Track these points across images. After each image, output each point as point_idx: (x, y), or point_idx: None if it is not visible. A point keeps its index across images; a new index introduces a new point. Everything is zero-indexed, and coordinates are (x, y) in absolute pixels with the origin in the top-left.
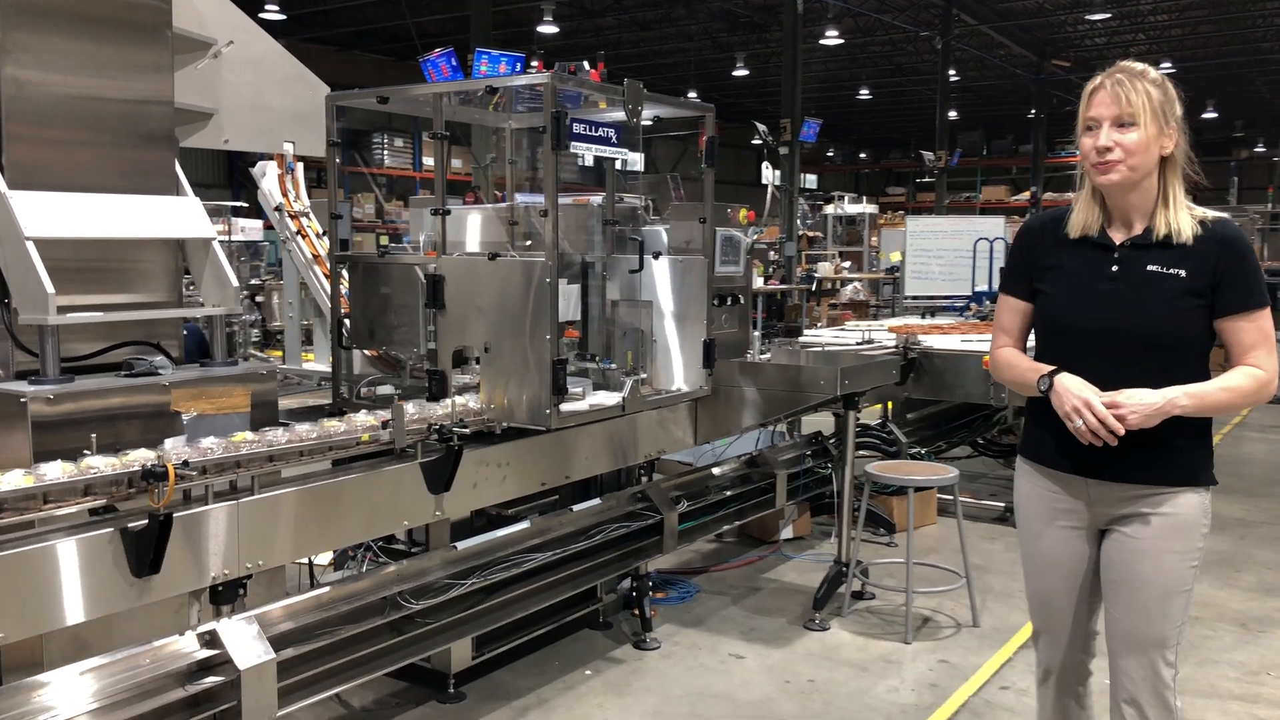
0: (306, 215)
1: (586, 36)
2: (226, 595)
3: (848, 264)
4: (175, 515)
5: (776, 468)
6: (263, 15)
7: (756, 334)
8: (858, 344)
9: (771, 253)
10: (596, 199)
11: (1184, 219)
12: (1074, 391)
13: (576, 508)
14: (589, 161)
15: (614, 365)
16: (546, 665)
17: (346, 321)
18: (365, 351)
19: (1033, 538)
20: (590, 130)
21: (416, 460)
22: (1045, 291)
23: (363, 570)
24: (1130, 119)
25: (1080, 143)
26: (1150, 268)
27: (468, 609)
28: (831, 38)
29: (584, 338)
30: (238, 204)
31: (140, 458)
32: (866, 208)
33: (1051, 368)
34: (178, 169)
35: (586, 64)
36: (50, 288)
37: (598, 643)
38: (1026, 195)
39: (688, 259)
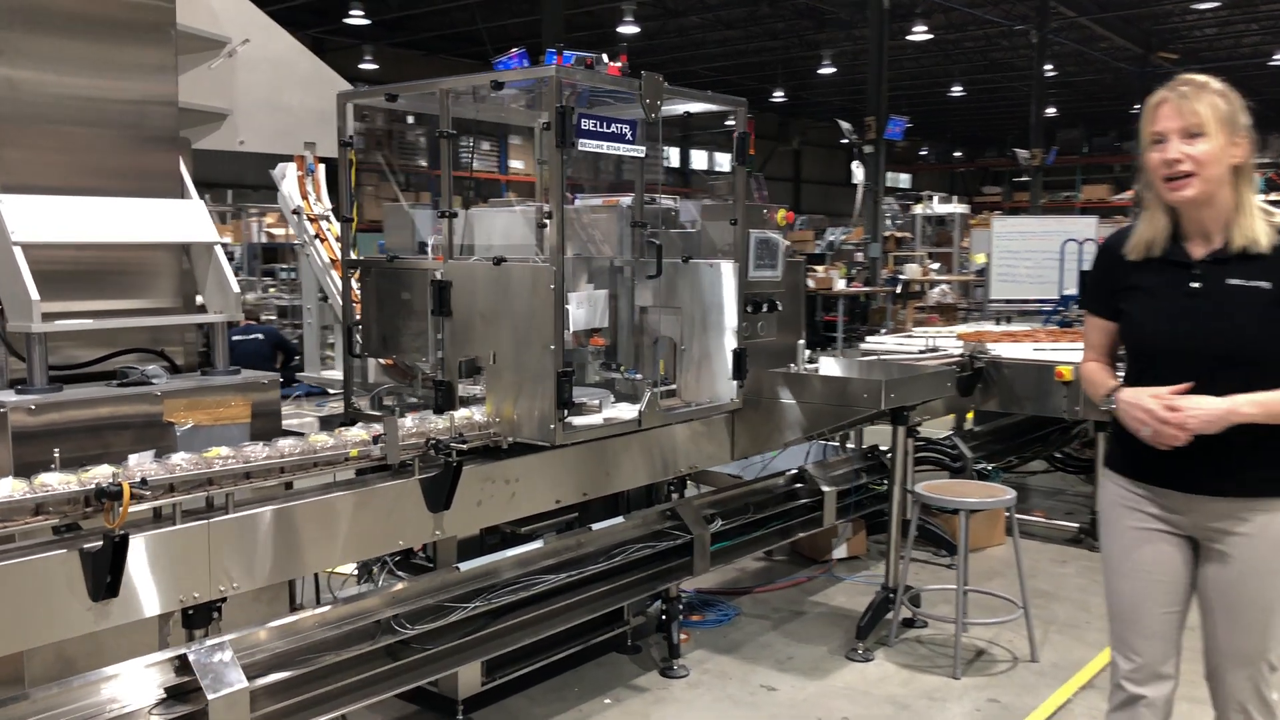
0: (326, 218)
1: (671, 37)
2: (199, 619)
3: (936, 265)
4: (141, 535)
5: (825, 484)
6: (347, 20)
7: (801, 343)
8: (920, 352)
9: (859, 254)
10: (627, 200)
11: (1260, 228)
12: (1133, 402)
13: (596, 526)
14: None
15: (640, 375)
16: (565, 691)
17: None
18: (380, 360)
19: (1118, 542)
20: (600, 127)
21: (414, 477)
22: (1127, 312)
23: (378, 587)
24: (1198, 129)
25: (1146, 158)
26: (1232, 281)
27: (470, 634)
28: (920, 33)
29: (612, 346)
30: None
31: (100, 475)
32: (957, 207)
33: (1115, 384)
34: (183, 171)
35: (605, 56)
36: (35, 294)
37: (623, 668)
38: (1129, 194)
39: (718, 263)
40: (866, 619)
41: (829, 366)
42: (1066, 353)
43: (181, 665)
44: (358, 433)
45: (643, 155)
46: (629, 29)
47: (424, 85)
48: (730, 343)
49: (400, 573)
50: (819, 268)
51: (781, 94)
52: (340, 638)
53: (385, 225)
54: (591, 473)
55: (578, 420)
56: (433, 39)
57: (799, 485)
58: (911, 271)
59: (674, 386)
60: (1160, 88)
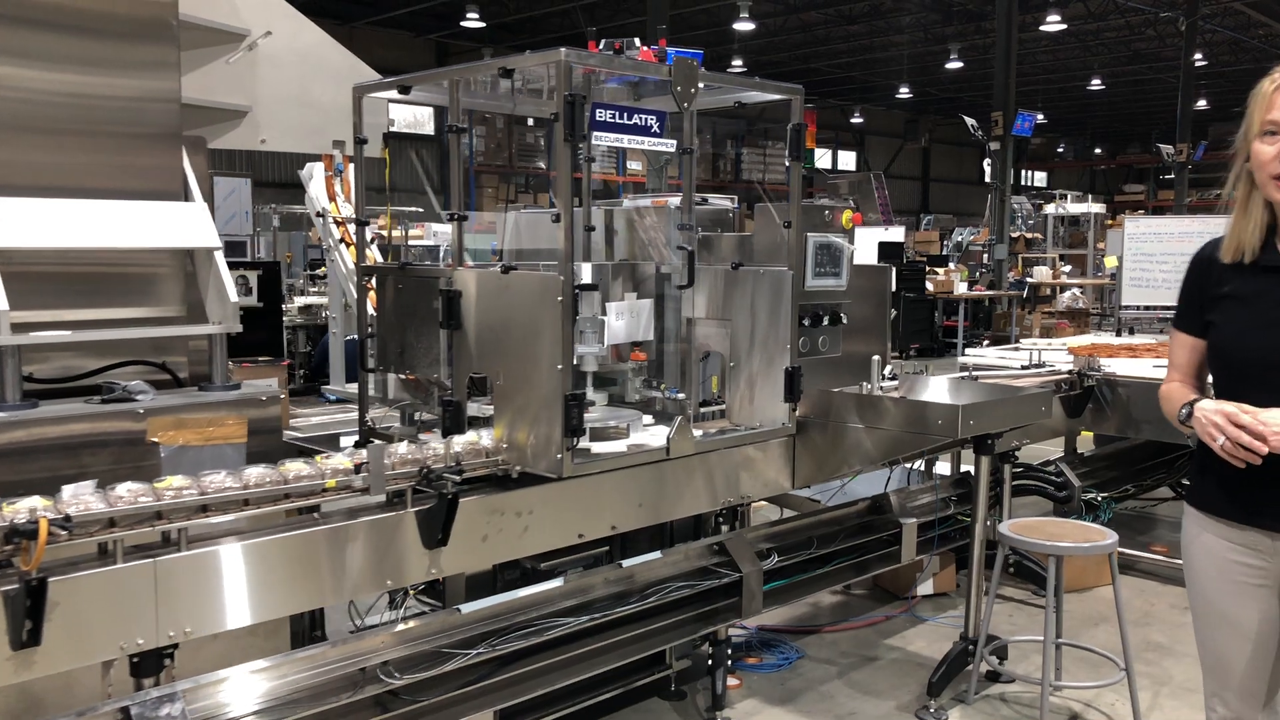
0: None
1: (793, 33)
2: (147, 667)
3: (1068, 268)
4: (71, 576)
5: (904, 515)
6: (464, 24)
7: (877, 359)
8: (1022, 368)
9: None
10: (675, 200)
11: None
12: (1210, 410)
13: (627, 563)
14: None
15: (682, 394)
16: None
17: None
18: (402, 374)
19: (1205, 595)
20: (619, 118)
21: (406, 510)
22: (1215, 323)
23: (399, 616)
24: None
25: (1254, 150)
26: None
27: (470, 683)
28: (1054, 23)
29: (658, 361)
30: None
31: (30, 507)
32: (1092, 207)
33: (1194, 397)
34: (188, 171)
35: (638, 40)
36: (3, 304)
37: (662, 718)
38: None
39: (768, 271)
40: (940, 673)
41: (908, 386)
42: None
43: (125, 718)
44: (340, 461)
45: (672, 149)
46: (744, 26)
47: (434, 75)
48: (783, 360)
49: (431, 603)
50: (940, 270)
51: (907, 90)
52: (319, 686)
53: (497, 228)
54: (620, 504)
55: (600, 447)
56: (551, 40)
57: (876, 516)
58: (1041, 274)
59: (723, 407)
60: (1276, 66)
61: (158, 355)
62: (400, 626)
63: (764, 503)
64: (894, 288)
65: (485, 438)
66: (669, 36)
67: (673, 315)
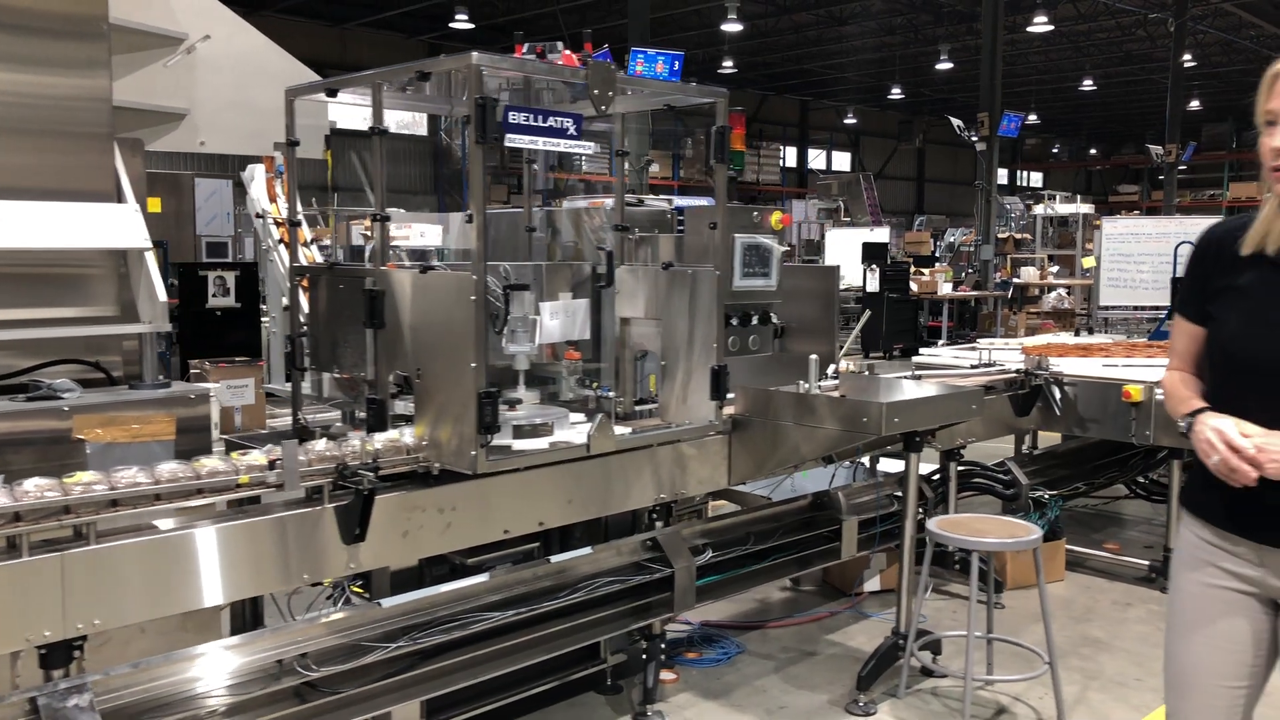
0: (299, 223)
1: (785, 34)
2: (56, 659)
3: (1055, 269)
4: None
5: (844, 512)
6: (452, 25)
7: (814, 358)
8: (971, 367)
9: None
10: (609, 202)
11: None
12: (1208, 427)
13: (556, 558)
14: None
15: (613, 393)
16: None
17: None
18: (334, 373)
19: (1180, 599)
20: (533, 120)
21: (324, 506)
22: (1216, 317)
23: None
24: None
25: (1260, 142)
26: None
27: (390, 675)
28: (1041, 24)
29: (593, 360)
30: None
31: None
32: (1080, 207)
33: (1199, 406)
34: (120, 173)
35: (560, 44)
36: None
37: (596, 711)
38: None
39: (696, 271)
40: (869, 667)
41: (849, 385)
42: (1140, 370)
43: (32, 709)
44: (256, 458)
45: (590, 151)
46: (733, 27)
47: (360, 78)
48: (711, 359)
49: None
50: (925, 271)
51: (900, 91)
52: (235, 678)
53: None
54: (548, 500)
55: (523, 444)
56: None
57: (819, 512)
58: (1028, 275)
59: (655, 406)
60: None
61: (93, 355)
62: (320, 620)
63: (724, 501)
64: (877, 288)
65: (407, 435)
66: (655, 38)
67: (609, 315)
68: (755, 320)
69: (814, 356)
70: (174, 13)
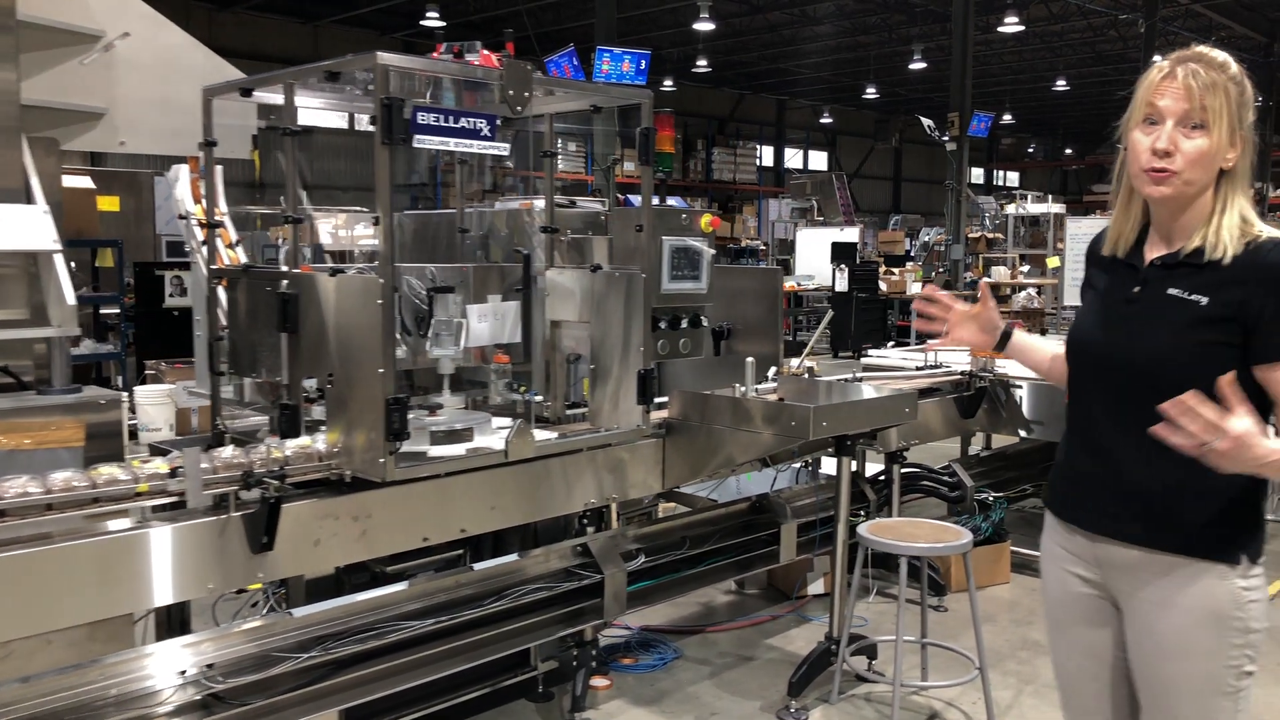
0: (220, 225)
1: (761, 33)
2: None
3: (1026, 268)
4: None
5: (783, 516)
6: (423, 23)
7: (750, 361)
8: (917, 369)
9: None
10: (541, 203)
11: (1226, 235)
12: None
13: (480, 565)
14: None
15: (540, 397)
16: None
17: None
18: (252, 377)
19: (1049, 602)
20: (444, 121)
21: (230, 514)
22: (1076, 316)
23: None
24: (1203, 121)
25: (1130, 137)
26: (1171, 291)
27: (302, 685)
28: (1011, 24)
29: (525, 364)
30: None
31: None
32: (1051, 207)
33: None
34: (29, 172)
35: (479, 44)
36: None
37: (526, 719)
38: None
39: (622, 274)
40: (801, 673)
41: (786, 387)
42: None
43: None
44: (157, 465)
45: (505, 153)
46: (706, 26)
47: (274, 77)
48: (639, 362)
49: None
50: (896, 270)
51: (874, 91)
52: (133, 691)
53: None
54: (469, 507)
55: (440, 450)
56: (520, 39)
57: (759, 515)
58: (999, 274)
59: (585, 410)
60: (1168, 55)
61: (1, 359)
62: (228, 630)
63: (674, 503)
64: (846, 288)
65: (320, 441)
66: (629, 36)
67: (539, 318)
68: (685, 323)
69: (750, 359)
70: (90, 9)
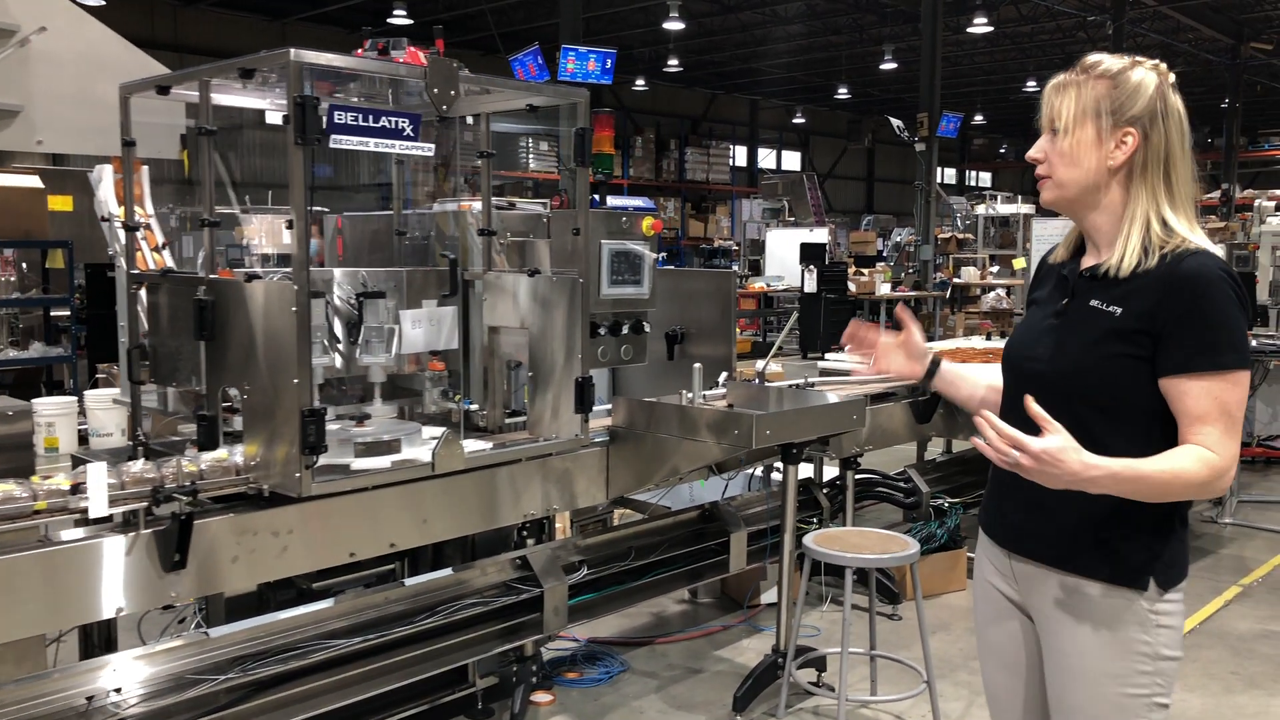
0: (145, 227)
1: (734, 33)
2: None
3: (995, 269)
4: None
5: (733, 524)
6: (390, 20)
7: (698, 366)
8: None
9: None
10: (479, 205)
11: (1134, 245)
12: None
13: (411, 581)
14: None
15: (475, 405)
16: None
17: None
18: (172, 386)
19: (977, 618)
20: (362, 120)
21: (139, 531)
22: (1015, 328)
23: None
24: (1055, 124)
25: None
26: (1092, 303)
27: (219, 708)
28: (980, 25)
29: (460, 371)
30: None
31: None
32: (1021, 207)
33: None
34: None
35: (405, 40)
36: None
37: None
38: (1217, 193)
39: (559, 278)
40: (746, 687)
41: (735, 394)
42: None
43: None
44: (59, 481)
45: (430, 153)
46: (676, 25)
47: (190, 74)
48: (575, 370)
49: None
50: (865, 271)
51: (846, 91)
52: (37, 717)
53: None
54: (399, 521)
55: (365, 463)
56: (485, 38)
57: (710, 524)
58: (969, 275)
59: (524, 419)
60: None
61: None
62: (143, 652)
63: (629, 511)
64: (815, 288)
65: (238, 454)
66: (600, 35)
67: (476, 324)
68: (627, 329)
69: (698, 366)
70: (4, 3)
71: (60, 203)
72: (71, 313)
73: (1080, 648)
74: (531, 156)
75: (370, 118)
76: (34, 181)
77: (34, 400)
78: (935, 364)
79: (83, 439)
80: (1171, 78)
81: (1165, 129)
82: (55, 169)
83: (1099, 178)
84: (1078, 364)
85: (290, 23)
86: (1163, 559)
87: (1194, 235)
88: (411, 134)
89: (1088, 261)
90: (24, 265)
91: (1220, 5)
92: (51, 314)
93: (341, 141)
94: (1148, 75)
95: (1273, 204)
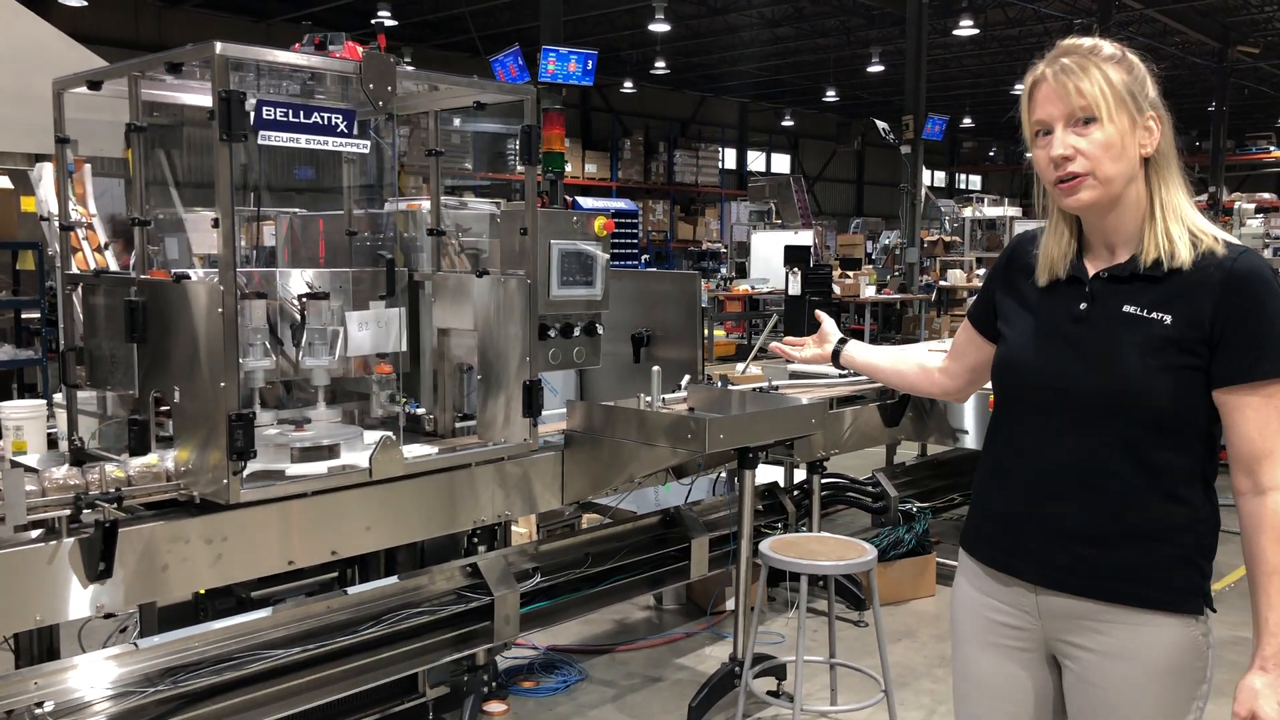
0: (86, 226)
1: (721, 35)
2: None
3: (982, 271)
4: None
5: (694, 530)
6: (374, 21)
7: (656, 370)
8: (840, 375)
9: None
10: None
11: (1179, 239)
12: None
13: (354, 589)
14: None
15: (422, 409)
16: None
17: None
18: (107, 390)
19: (965, 652)
20: (292, 116)
21: (61, 540)
22: (1003, 333)
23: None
24: (1087, 113)
25: (1033, 157)
26: (1126, 308)
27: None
28: (966, 28)
29: (409, 374)
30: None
31: None
32: (1008, 210)
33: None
34: None
35: (344, 35)
36: None
37: None
38: (1205, 196)
39: (507, 279)
40: (701, 697)
41: (696, 397)
42: None
43: None
44: None
45: (365, 150)
46: (662, 27)
47: (121, 68)
48: (524, 373)
49: None
50: (850, 273)
51: (834, 94)
52: None
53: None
54: (340, 528)
55: (301, 468)
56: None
57: (671, 529)
58: (955, 278)
59: (474, 423)
60: (1038, 61)
61: None
62: (66, 664)
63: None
64: (799, 291)
65: (169, 460)
66: (585, 37)
67: (425, 325)
68: (579, 331)
69: (656, 369)
70: None
71: (32, 204)
72: (41, 315)
73: (1129, 678)
74: (510, 157)
75: (300, 113)
76: (3, 182)
77: (2, 403)
78: (841, 343)
79: (52, 443)
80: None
81: (1165, 117)
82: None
83: (1134, 170)
84: (1128, 379)
85: (275, 23)
86: (1208, 578)
87: (1218, 231)
88: (346, 130)
89: (1099, 263)
90: None
91: (1206, 9)
92: (22, 316)
93: (270, 138)
94: (1135, 58)
95: (1253, 206)
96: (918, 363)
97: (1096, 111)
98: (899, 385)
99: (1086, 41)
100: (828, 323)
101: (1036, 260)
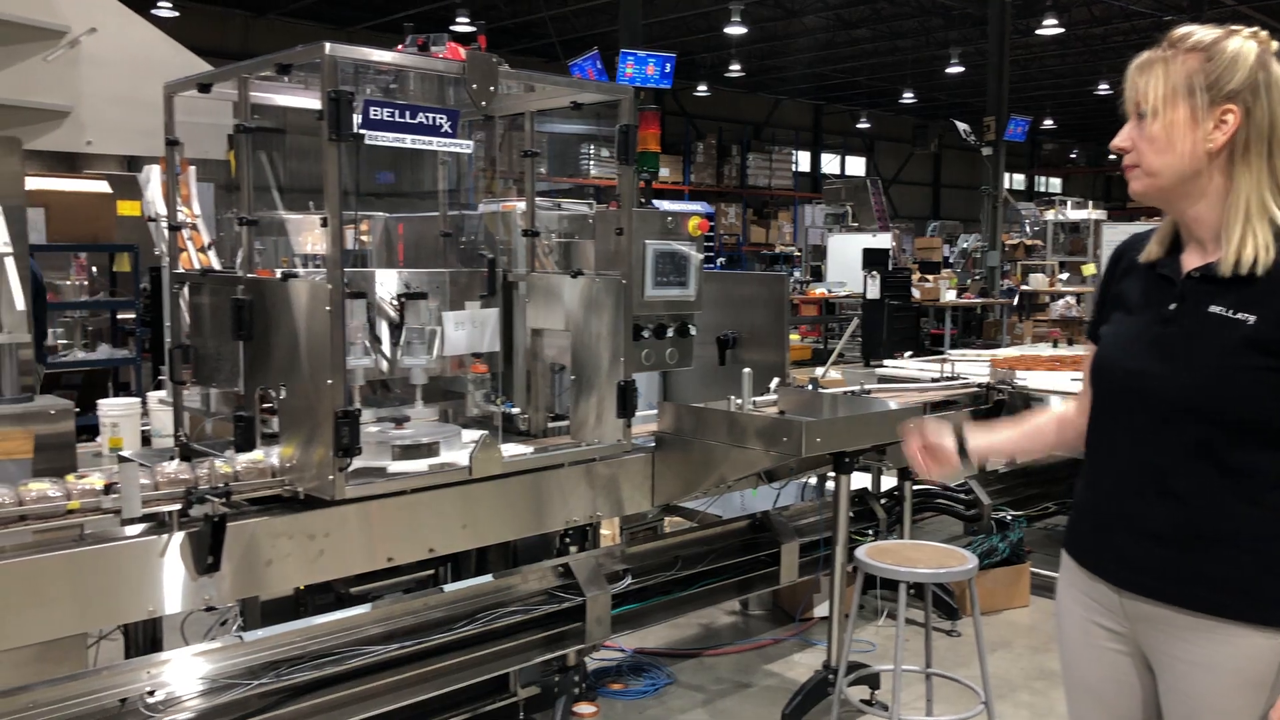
0: (191, 227)
1: (798, 38)
2: None
3: (1066, 275)
4: None
5: (784, 535)
6: (453, 28)
7: (747, 371)
8: (933, 380)
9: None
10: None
11: (1263, 239)
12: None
13: (450, 587)
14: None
15: (517, 408)
16: None
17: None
18: (213, 387)
19: (1068, 655)
20: (399, 116)
21: (173, 533)
22: (1102, 335)
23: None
24: (1140, 107)
25: None
26: (1213, 309)
27: (252, 714)
28: (1050, 27)
29: (504, 374)
30: None
31: None
32: (1092, 213)
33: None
34: None
35: (445, 36)
36: None
37: None
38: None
39: (602, 279)
40: (794, 704)
41: (787, 399)
42: None
43: None
44: (92, 480)
45: (468, 150)
46: (738, 30)
47: (229, 71)
48: (618, 373)
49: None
50: (930, 277)
51: (912, 95)
52: (73, 718)
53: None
54: (438, 525)
55: (402, 466)
56: (541, 47)
57: (761, 534)
58: (1037, 282)
59: (565, 423)
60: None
61: None
62: (176, 655)
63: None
64: (877, 295)
65: (274, 456)
66: (661, 41)
67: (520, 326)
68: (672, 332)
69: (747, 371)
70: (55, 4)
71: (129, 208)
72: (136, 315)
73: (1212, 688)
74: (592, 163)
75: (406, 113)
76: (103, 186)
77: (99, 401)
78: (961, 444)
79: (146, 440)
80: (1275, 45)
81: (1269, 103)
82: (126, 175)
83: (1196, 163)
84: (1208, 380)
85: (357, 31)
86: None
87: None
88: (449, 130)
89: (1192, 260)
90: (94, 269)
91: None
92: (118, 317)
93: (376, 138)
94: (1246, 44)
95: None
96: (1052, 417)
97: (1144, 105)
98: (1044, 447)
99: (1180, 31)
100: (932, 431)
101: (1137, 263)
